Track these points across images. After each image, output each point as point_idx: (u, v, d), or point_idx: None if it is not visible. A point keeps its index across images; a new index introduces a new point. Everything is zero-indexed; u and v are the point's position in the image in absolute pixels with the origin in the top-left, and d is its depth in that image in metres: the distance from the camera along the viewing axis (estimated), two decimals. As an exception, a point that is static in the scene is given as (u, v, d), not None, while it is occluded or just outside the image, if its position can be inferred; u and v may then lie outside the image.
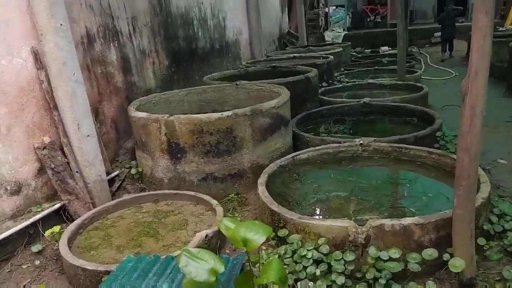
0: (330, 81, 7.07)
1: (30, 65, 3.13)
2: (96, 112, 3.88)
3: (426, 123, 4.49)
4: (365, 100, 5.32)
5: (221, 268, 1.78)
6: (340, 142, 3.85)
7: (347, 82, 7.41)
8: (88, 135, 3.31)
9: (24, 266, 2.72)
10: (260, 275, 1.73)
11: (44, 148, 3.16)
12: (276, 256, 2.51)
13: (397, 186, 3.27)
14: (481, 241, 2.40)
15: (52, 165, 3.16)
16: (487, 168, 3.62)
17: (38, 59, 3.14)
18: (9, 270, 2.69)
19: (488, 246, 2.44)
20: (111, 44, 4.21)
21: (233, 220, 1.96)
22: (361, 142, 3.74)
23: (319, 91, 6.12)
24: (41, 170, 3.20)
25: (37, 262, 2.75)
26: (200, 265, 1.78)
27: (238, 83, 4.87)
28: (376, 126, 5.25)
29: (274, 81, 4.89)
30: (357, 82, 7.25)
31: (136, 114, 3.66)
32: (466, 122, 2.03)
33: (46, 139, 3.21)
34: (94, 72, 3.92)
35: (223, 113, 3.47)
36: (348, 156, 3.76)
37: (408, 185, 3.26)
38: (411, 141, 3.85)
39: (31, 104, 3.15)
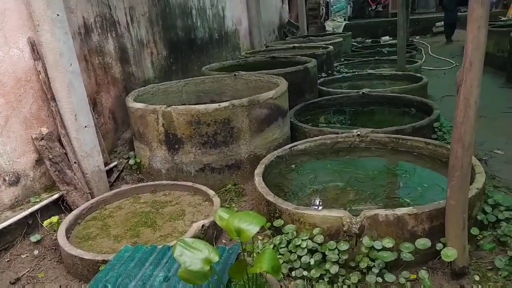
0: (330, 72, 7.04)
1: (27, 56, 3.13)
2: (94, 103, 3.89)
3: (425, 113, 4.49)
4: (364, 91, 5.32)
5: (215, 258, 1.81)
6: (337, 133, 3.86)
7: (347, 73, 7.39)
8: (85, 126, 3.33)
9: (23, 256, 2.76)
10: (254, 264, 1.76)
11: (42, 139, 3.18)
12: (272, 246, 2.54)
13: (393, 176, 3.28)
14: (475, 231, 2.42)
15: (50, 156, 3.18)
16: (484, 158, 3.63)
17: (35, 49, 3.14)
18: (8, 259, 2.72)
19: (481, 236, 2.47)
20: (109, 34, 4.19)
21: (228, 210, 1.98)
22: (359, 133, 3.74)
23: (319, 81, 6.10)
24: (39, 161, 3.22)
25: (36, 252, 2.78)
26: (195, 254, 1.81)
27: (236, 73, 4.86)
28: (375, 117, 5.24)
29: (272, 71, 4.88)
30: (356, 73, 7.22)
31: (133, 104, 3.66)
32: (460, 113, 2.04)
33: (44, 130, 3.22)
34: (92, 62, 3.91)
35: (220, 104, 3.47)
36: (346, 147, 3.77)
37: (404, 176, 3.27)
38: (408, 131, 3.86)
39: (29, 95, 3.16)
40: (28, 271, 2.60)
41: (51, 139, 3.22)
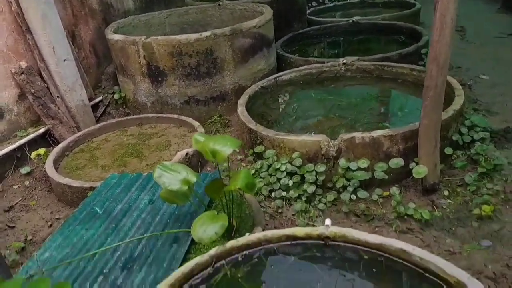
0: (321, 0, 6.77)
1: (-5, -15, 2.99)
2: (73, 36, 3.77)
3: (415, 41, 4.40)
4: (353, 19, 5.15)
5: (193, 179, 1.88)
6: (323, 62, 3.81)
7: (338, 1, 7.10)
8: (65, 59, 3.27)
9: (15, 187, 2.86)
10: (230, 183, 1.84)
11: (22, 73, 3.14)
12: (253, 170, 2.63)
13: (375, 103, 3.30)
14: (448, 150, 2.49)
15: (32, 90, 3.16)
16: (468, 83, 3.63)
17: (3, -22, 2.99)
18: (1, 190, 2.83)
19: (455, 156, 2.55)
20: (83, -39, 3.95)
21: (204, 134, 2.03)
22: (344, 61, 3.70)
23: (308, 11, 5.89)
24: (22, 96, 3.21)
25: (26, 183, 2.88)
26: (173, 176, 1.89)
27: (220, 3, 4.67)
28: (364, 46, 5.13)
29: (258, 0, 4.69)
30: (349, 1, 6.94)
31: (113, 36, 3.57)
32: (436, 31, 2.01)
33: (23, 64, 3.17)
34: (66, -8, 3.74)
35: (202, 33, 3.38)
36: (331, 76, 3.75)
37: (386, 102, 3.30)
38: (395, 58, 3.81)
39: (2, 27, 3.06)
40: (20, 200, 2.72)
41: (31, 73, 3.18)
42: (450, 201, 2.25)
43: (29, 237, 2.34)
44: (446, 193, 2.30)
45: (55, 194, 2.73)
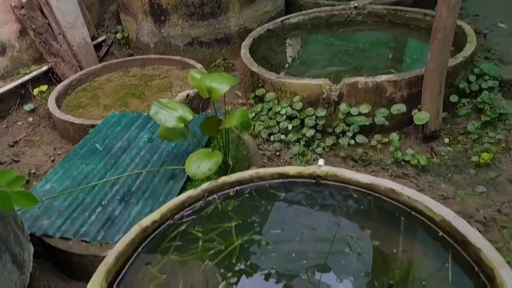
0: None
1: None
2: (73, -30, 3.63)
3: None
4: (370, -39, 4.84)
5: (189, 116, 1.87)
6: (334, 5, 3.65)
7: None
8: (65, -6, 3.18)
9: (19, 123, 2.90)
10: (225, 121, 1.83)
11: (22, 7, 3.06)
12: (253, 114, 2.62)
13: (384, 49, 3.17)
14: (454, 98, 2.42)
15: (33, 26, 3.10)
16: (485, 32, 3.45)
17: None
18: (5, 126, 2.88)
19: (460, 104, 2.48)
20: None
21: (201, 72, 1.99)
22: (356, 4, 3.54)
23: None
24: (23, 32, 3.16)
25: (30, 119, 2.92)
26: (170, 113, 1.88)
27: None
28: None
29: None
30: None
31: (114, -29, 3.43)
32: (450, -33, 1.88)
33: (23, -1, 3.09)
34: None
35: (205, -30, 3.23)
36: (341, 21, 3.60)
37: (395, 48, 3.18)
38: (409, 3, 3.62)
39: (-1, -42, 2.96)
40: (24, 135, 2.77)
41: (32, 8, 3.10)
42: (450, 149, 2.22)
43: (33, 171, 2.41)
44: (446, 140, 2.27)
45: (57, 130, 2.76)
